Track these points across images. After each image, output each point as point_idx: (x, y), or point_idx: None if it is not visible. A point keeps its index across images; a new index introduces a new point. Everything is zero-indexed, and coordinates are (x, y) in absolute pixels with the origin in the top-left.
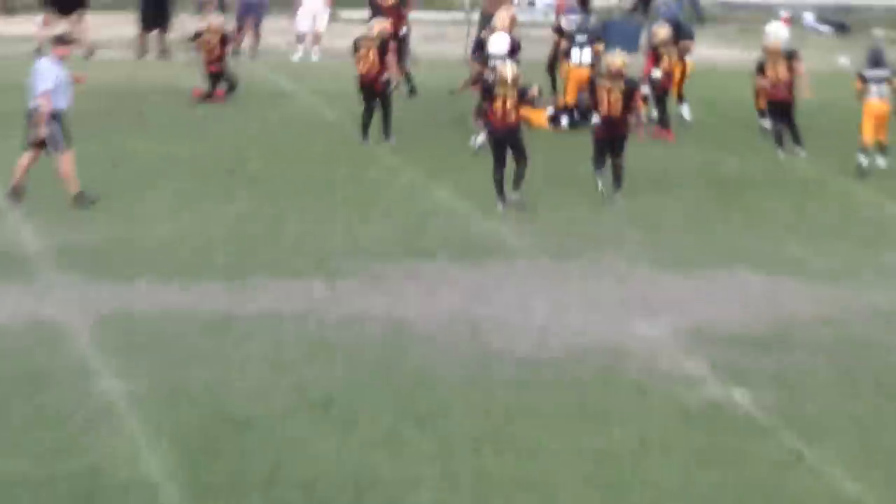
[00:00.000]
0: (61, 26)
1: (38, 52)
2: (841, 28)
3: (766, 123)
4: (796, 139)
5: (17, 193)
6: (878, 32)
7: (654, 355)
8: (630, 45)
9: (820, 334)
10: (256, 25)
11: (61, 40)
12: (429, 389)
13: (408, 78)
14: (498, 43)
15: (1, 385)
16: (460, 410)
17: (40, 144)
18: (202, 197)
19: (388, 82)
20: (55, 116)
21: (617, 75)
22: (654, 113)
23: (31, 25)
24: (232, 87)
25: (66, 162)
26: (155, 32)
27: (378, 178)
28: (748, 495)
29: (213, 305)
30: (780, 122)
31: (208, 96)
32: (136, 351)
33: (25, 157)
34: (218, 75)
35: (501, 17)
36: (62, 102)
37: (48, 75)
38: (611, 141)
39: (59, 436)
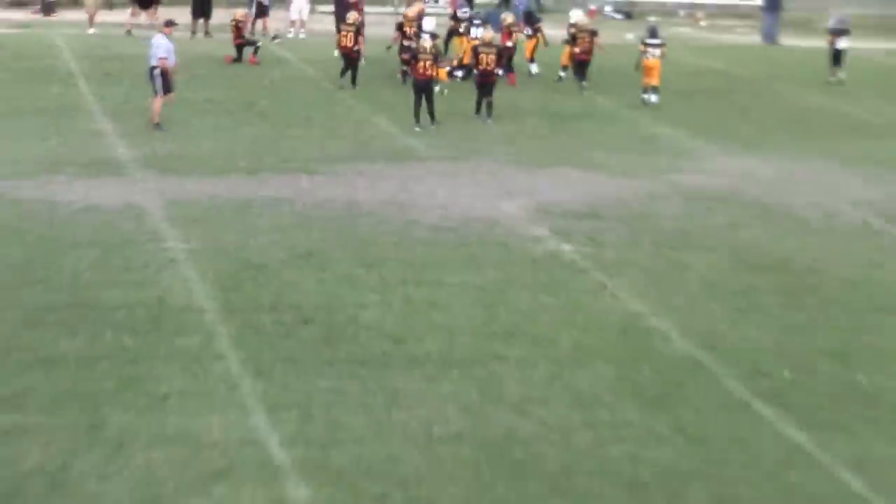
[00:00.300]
0: (143, 16)
1: (128, 33)
2: (628, 16)
3: (564, 74)
4: (584, 78)
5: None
6: (652, 18)
7: (514, 223)
8: (497, 27)
9: (617, 210)
10: (265, 15)
11: (168, 24)
12: (372, 246)
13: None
14: (427, 23)
15: (103, 244)
16: (393, 259)
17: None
18: (230, 125)
19: (359, 53)
20: (163, 72)
21: (489, 44)
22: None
23: (124, 16)
24: (256, 49)
25: (159, 101)
26: (201, 20)
27: (340, 113)
28: (573, 310)
29: (238, 193)
30: (582, 75)
31: (236, 61)
32: (190, 222)
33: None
34: (241, 46)
35: (413, 9)
36: (170, 63)
37: (161, 46)
38: (486, 86)
39: (140, 277)
